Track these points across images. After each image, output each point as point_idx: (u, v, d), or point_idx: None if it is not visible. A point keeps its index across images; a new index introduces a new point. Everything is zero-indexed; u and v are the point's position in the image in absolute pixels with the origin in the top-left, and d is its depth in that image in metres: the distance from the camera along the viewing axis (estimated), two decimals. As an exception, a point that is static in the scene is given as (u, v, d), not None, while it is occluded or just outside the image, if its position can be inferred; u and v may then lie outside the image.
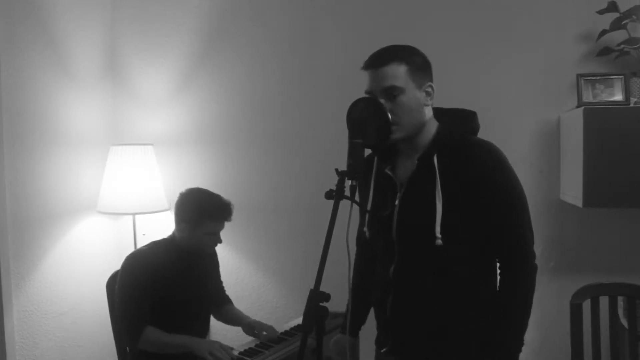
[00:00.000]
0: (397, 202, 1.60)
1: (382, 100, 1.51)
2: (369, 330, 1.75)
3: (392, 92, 1.50)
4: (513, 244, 1.56)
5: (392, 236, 1.60)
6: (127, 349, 2.34)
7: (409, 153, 1.61)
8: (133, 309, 2.19)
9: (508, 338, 1.56)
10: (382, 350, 1.68)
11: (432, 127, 1.60)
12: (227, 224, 2.33)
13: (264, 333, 2.32)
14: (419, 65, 1.55)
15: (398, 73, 1.51)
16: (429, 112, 1.59)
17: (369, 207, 1.66)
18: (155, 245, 2.35)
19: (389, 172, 1.62)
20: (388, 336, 1.67)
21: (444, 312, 1.57)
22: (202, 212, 2.25)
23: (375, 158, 1.68)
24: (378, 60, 1.53)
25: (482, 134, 1.64)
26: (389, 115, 1.48)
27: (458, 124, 1.60)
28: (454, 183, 1.52)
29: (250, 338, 2.35)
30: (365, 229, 1.68)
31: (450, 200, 1.51)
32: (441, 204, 1.51)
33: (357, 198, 1.43)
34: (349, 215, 1.56)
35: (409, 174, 1.60)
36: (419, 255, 1.57)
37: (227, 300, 2.58)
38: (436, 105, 1.65)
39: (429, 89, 1.57)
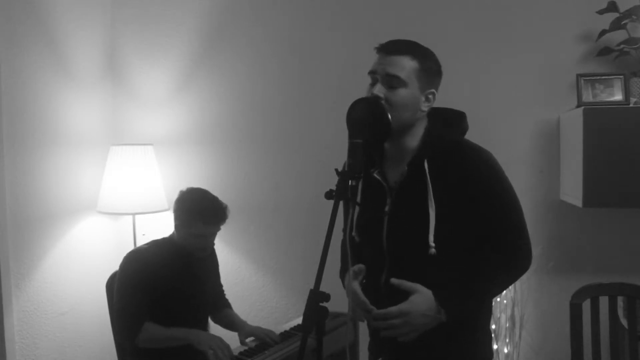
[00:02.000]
0: (387, 209, 1.57)
1: (380, 87, 1.48)
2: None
3: (394, 83, 1.48)
4: (512, 243, 1.54)
5: (382, 243, 1.57)
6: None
7: (397, 156, 1.58)
8: (132, 306, 2.19)
9: (460, 294, 1.50)
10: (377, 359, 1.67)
11: (421, 127, 1.57)
12: (227, 224, 2.32)
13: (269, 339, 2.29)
14: (430, 69, 1.53)
15: (407, 67, 1.49)
16: (420, 115, 1.56)
17: (357, 211, 1.62)
18: (154, 244, 2.35)
19: (377, 176, 1.60)
20: (382, 346, 1.64)
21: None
22: (193, 212, 2.23)
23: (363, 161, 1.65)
24: (393, 47, 1.51)
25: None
26: (389, 115, 1.47)
27: (447, 125, 1.58)
28: (445, 188, 1.49)
29: (250, 338, 2.35)
30: (354, 233, 1.64)
31: (443, 207, 1.49)
32: (434, 211, 1.48)
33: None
34: (349, 215, 1.56)
35: (398, 178, 1.57)
36: (411, 263, 1.53)
37: (226, 304, 2.56)
38: (434, 104, 1.63)
39: (430, 96, 1.54)
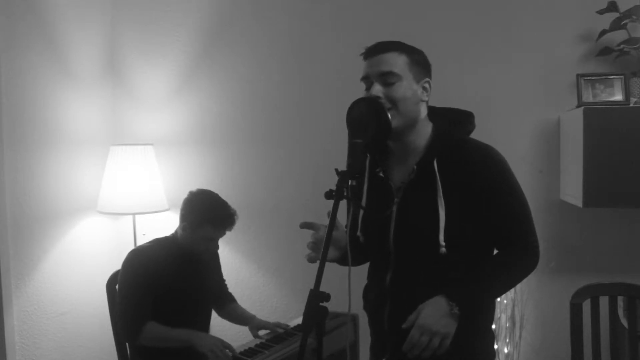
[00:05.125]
0: (394, 208, 1.57)
1: (377, 87, 1.49)
2: (369, 332, 1.74)
3: (389, 79, 1.49)
4: (519, 240, 1.54)
5: (389, 243, 1.57)
6: (127, 344, 2.34)
7: (402, 155, 1.58)
8: (134, 304, 2.20)
9: (474, 286, 1.50)
10: None
11: (427, 127, 1.57)
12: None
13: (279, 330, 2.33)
14: (419, 60, 1.54)
15: (397, 61, 1.50)
16: (424, 110, 1.56)
17: (362, 211, 1.62)
18: (157, 242, 2.36)
19: (382, 175, 1.60)
20: (386, 346, 1.63)
21: None
22: (204, 215, 2.24)
23: (368, 160, 1.64)
24: (379, 48, 1.52)
25: (482, 134, 1.63)
26: (389, 115, 1.47)
27: (454, 125, 1.58)
28: (454, 187, 1.50)
29: (250, 338, 2.35)
30: (359, 233, 1.65)
31: (452, 206, 1.49)
32: (444, 210, 1.48)
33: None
34: (349, 215, 1.56)
35: (405, 178, 1.56)
36: (419, 263, 1.53)
37: (230, 298, 2.58)
38: (435, 104, 1.64)
39: (426, 85, 1.55)
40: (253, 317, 2.46)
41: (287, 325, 2.34)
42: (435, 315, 1.44)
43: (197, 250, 2.30)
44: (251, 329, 2.39)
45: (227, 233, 2.35)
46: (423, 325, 1.44)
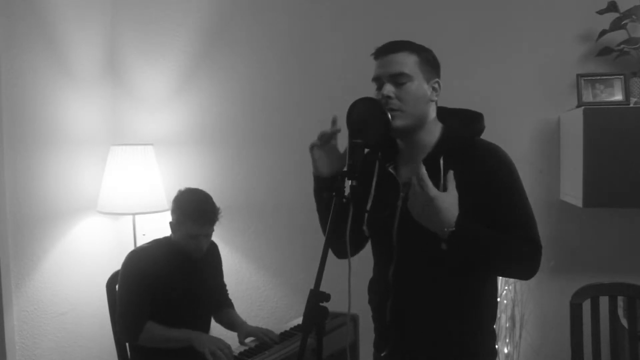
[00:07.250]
0: (399, 202, 1.58)
1: (388, 86, 1.50)
2: (369, 332, 1.74)
3: (400, 79, 1.50)
4: (522, 238, 1.51)
5: (393, 237, 1.58)
6: (127, 344, 2.34)
7: (411, 153, 1.59)
8: (134, 304, 2.20)
9: (477, 230, 1.45)
10: (382, 355, 1.67)
11: (436, 127, 1.58)
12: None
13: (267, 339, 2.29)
14: (429, 60, 1.55)
15: (408, 61, 1.51)
16: (433, 111, 1.58)
17: (369, 205, 1.64)
18: (156, 243, 2.36)
19: (392, 171, 1.61)
20: (388, 340, 1.65)
21: (446, 316, 1.55)
22: (184, 212, 2.25)
23: (378, 156, 1.66)
24: (389, 48, 1.53)
25: (482, 134, 1.63)
26: (389, 116, 1.48)
27: (464, 125, 1.59)
28: (460, 186, 1.48)
29: (250, 338, 2.35)
30: (364, 227, 1.66)
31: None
32: None
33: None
34: (349, 215, 1.56)
35: (411, 174, 1.58)
36: (421, 257, 1.55)
37: (227, 303, 2.57)
38: (439, 104, 1.64)
39: (436, 85, 1.56)
40: (244, 325, 2.42)
41: (276, 335, 2.31)
42: (439, 195, 1.39)
43: (185, 248, 2.29)
44: (239, 336, 2.36)
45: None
46: (427, 186, 1.38)
